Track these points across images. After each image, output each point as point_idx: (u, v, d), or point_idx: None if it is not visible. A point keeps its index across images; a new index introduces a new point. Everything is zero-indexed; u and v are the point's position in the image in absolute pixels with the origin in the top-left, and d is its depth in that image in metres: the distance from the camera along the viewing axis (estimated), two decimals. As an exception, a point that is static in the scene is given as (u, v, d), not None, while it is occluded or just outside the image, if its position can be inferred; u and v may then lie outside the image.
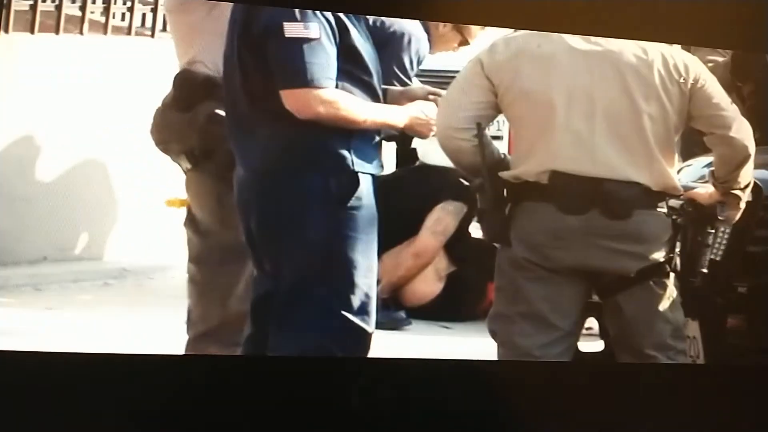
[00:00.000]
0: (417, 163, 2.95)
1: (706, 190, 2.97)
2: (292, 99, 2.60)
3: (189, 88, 2.83)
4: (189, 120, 2.80)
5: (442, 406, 2.60)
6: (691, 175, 3.12)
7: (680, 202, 2.93)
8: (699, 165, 3.16)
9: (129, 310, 2.77)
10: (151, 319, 2.74)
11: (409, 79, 2.95)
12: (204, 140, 2.78)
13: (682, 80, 2.82)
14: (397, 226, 2.77)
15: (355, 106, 2.66)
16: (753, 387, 2.83)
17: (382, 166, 2.79)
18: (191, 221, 2.86)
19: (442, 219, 2.98)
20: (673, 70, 2.81)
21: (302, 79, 2.58)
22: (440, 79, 2.89)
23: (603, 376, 2.85)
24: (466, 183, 3.05)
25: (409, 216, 2.96)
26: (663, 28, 2.88)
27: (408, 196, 2.89)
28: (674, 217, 2.88)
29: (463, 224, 3.04)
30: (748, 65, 3.32)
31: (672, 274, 2.86)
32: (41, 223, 2.77)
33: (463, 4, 2.82)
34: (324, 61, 2.60)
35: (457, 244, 3.03)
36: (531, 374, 2.72)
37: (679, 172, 2.94)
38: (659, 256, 2.81)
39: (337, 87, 2.64)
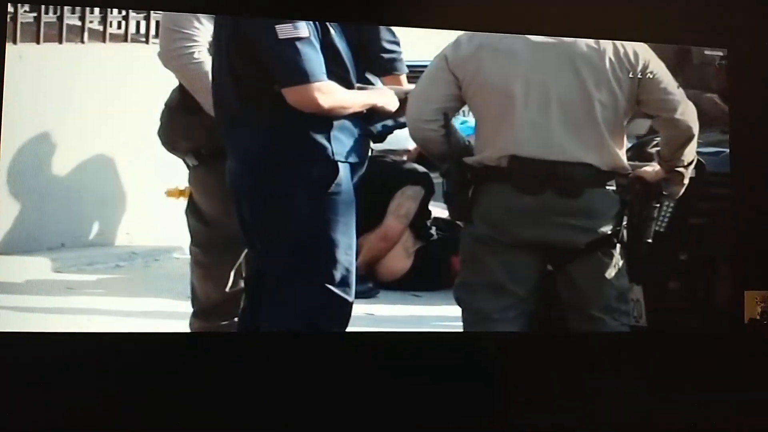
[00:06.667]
0: (372, 153, 2.99)
1: (652, 168, 3.07)
2: (294, 95, 2.74)
3: None
4: (198, 121, 2.92)
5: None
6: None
7: (629, 180, 2.99)
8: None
9: (139, 288, 2.99)
10: (158, 295, 2.96)
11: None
12: (212, 140, 2.90)
13: (631, 68, 2.94)
14: (364, 215, 2.92)
15: (348, 95, 2.82)
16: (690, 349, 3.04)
17: (360, 157, 2.90)
18: (195, 211, 3.00)
19: (403, 203, 3.11)
20: (624, 58, 2.94)
21: (300, 76, 2.73)
22: (410, 73, 3.01)
23: (551, 343, 3.01)
24: (420, 168, 3.18)
25: (375, 205, 3.07)
26: (623, 26, 2.99)
27: (370, 187, 2.95)
28: (622, 193, 2.98)
29: (423, 205, 3.17)
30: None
31: (618, 245, 2.98)
32: (58, 213, 2.94)
33: (429, 9, 2.92)
34: (316, 57, 2.76)
35: (421, 224, 3.17)
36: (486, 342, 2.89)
37: (628, 152, 3.02)
38: (607, 229, 2.96)
39: None
